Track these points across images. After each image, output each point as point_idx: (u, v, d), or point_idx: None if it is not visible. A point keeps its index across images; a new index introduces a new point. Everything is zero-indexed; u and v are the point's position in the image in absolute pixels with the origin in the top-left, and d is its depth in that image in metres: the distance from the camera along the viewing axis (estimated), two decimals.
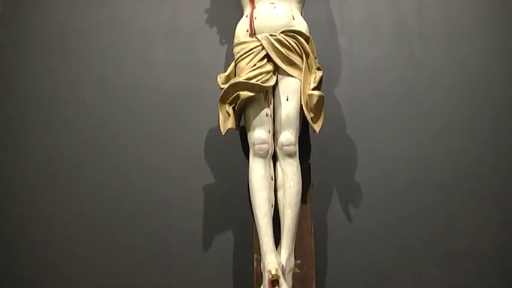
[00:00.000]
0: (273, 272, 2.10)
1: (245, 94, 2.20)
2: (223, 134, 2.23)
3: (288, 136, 2.22)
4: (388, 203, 2.47)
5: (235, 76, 2.29)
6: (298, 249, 2.24)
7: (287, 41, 2.25)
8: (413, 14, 2.67)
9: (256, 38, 2.28)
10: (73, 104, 2.67)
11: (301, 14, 2.39)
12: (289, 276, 2.18)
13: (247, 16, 2.35)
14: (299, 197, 2.22)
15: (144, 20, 2.75)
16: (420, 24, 2.66)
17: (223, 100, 2.24)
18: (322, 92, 2.24)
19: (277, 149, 2.25)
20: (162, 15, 2.75)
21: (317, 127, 2.23)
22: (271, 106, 2.26)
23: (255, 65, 2.24)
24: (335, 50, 2.64)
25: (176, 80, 2.64)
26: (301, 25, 2.32)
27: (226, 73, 2.30)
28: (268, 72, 2.24)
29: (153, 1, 2.79)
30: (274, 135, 2.26)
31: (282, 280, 2.12)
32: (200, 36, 2.69)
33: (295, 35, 2.27)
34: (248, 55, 2.27)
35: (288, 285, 2.15)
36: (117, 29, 2.76)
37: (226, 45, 2.64)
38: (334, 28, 2.67)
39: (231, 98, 2.23)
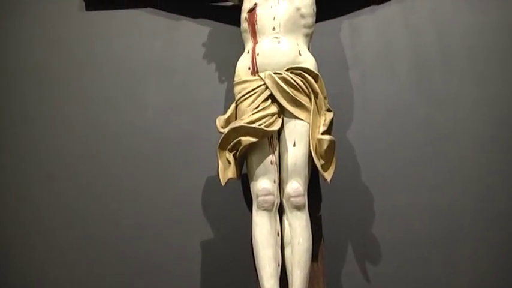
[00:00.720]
0: None
1: (247, 140, 2.12)
2: (223, 184, 2.14)
3: (296, 186, 2.14)
4: (411, 260, 2.38)
5: (236, 119, 2.24)
6: None
7: (293, 79, 2.19)
8: (434, 45, 2.60)
9: (259, 76, 2.22)
10: (58, 151, 2.62)
11: (309, 49, 2.33)
12: None
13: (248, 52, 2.29)
14: (309, 255, 2.12)
15: (134, 56, 2.72)
16: (442, 57, 2.58)
17: (222, 146, 2.17)
18: (333, 135, 2.16)
19: (284, 201, 2.16)
20: (154, 50, 2.71)
21: (328, 175, 2.14)
22: (277, 152, 2.19)
23: (257, 106, 2.18)
24: (347, 87, 2.57)
25: (170, 122, 2.60)
26: (309, 61, 2.26)
27: (226, 116, 2.24)
28: (272, 115, 2.17)
29: (144, 35, 2.75)
30: (280, 185, 2.18)
31: None
32: (197, 73, 2.64)
33: (302, 72, 2.21)
34: (250, 95, 2.21)
35: None
36: (104, 66, 2.72)
37: (225, 84, 2.58)
38: (345, 62, 2.61)
39: (231, 144, 2.15)
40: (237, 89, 2.28)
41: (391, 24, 2.66)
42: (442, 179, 2.46)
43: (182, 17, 2.76)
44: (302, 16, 2.30)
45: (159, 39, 2.74)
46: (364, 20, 2.67)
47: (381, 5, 2.70)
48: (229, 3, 2.69)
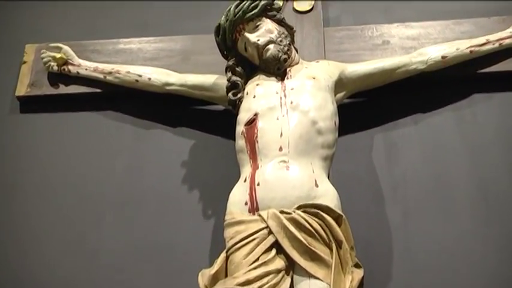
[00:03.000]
0: None
1: None
2: None
3: None
4: None
5: (226, 276, 2.14)
6: None
7: (307, 221, 2.10)
8: (505, 171, 2.52)
9: (260, 215, 2.14)
10: None
11: (328, 177, 2.25)
12: None
13: (245, 180, 2.24)
14: None
15: (84, 180, 2.72)
16: None
17: None
18: None
19: None
20: (113, 171, 2.72)
21: None
22: None
23: (257, 259, 2.10)
24: (383, 231, 2.46)
25: (132, 276, 2.50)
26: (329, 195, 2.18)
27: (213, 270, 2.15)
28: (278, 272, 2.08)
29: (100, 150, 2.77)
30: None
31: None
32: (172, 206, 2.61)
33: (320, 212, 2.13)
34: (247, 243, 2.13)
35: None
36: (40, 191, 2.74)
37: (212, 223, 2.54)
38: (381, 195, 2.53)
39: None
40: (228, 232, 2.19)
41: (443, 141, 2.59)
42: None
43: (154, 124, 2.79)
44: (319, 132, 2.26)
45: (121, 156, 2.74)
46: (405, 134, 2.63)
47: (429, 113, 2.65)
48: (220, 107, 2.64)
